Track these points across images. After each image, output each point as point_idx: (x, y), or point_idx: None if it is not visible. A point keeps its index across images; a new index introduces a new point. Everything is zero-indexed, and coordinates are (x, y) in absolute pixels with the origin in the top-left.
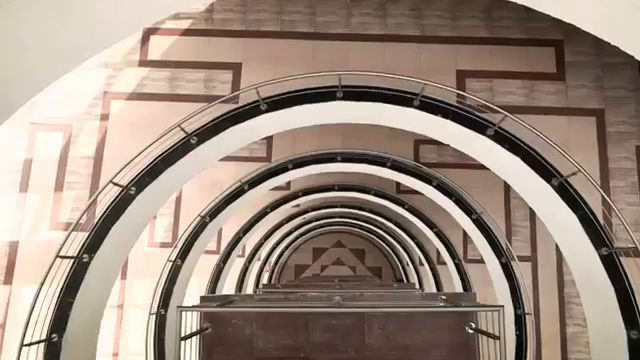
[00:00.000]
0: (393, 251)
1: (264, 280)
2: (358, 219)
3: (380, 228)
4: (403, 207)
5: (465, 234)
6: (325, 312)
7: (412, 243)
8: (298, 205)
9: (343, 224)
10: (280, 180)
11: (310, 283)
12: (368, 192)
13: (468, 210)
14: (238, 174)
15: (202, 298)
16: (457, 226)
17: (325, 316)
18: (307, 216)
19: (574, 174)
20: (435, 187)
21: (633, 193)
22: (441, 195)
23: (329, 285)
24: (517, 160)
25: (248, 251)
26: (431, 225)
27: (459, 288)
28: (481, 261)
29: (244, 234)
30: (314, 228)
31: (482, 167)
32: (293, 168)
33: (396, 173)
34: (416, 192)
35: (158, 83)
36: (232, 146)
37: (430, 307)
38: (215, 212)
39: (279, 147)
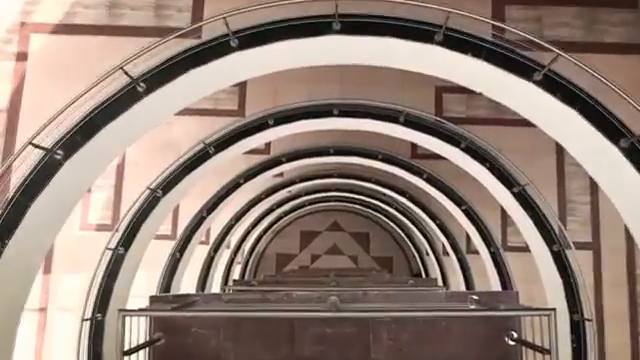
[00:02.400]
0: (407, 236)
1: (235, 275)
2: (361, 193)
3: (390, 205)
4: (420, 177)
5: (504, 213)
6: (317, 318)
7: (433, 225)
8: (281, 174)
9: (341, 200)
10: (257, 141)
11: (297, 279)
12: (374, 157)
13: (508, 181)
14: (200, 133)
15: (152, 299)
16: (493, 203)
17: (317, 323)
18: (293, 189)
19: None
20: (463, 150)
21: None
22: (471, 161)
23: (322, 281)
24: (573, 113)
25: (214, 236)
26: (458, 201)
27: (496, 286)
28: (525, 249)
29: (209, 213)
30: (302, 205)
31: (526, 123)
32: (274, 125)
33: (411, 131)
34: (438, 157)
35: (93, 11)
36: (192, 95)
37: (458, 311)
38: (170, 184)
39: (255, 97)
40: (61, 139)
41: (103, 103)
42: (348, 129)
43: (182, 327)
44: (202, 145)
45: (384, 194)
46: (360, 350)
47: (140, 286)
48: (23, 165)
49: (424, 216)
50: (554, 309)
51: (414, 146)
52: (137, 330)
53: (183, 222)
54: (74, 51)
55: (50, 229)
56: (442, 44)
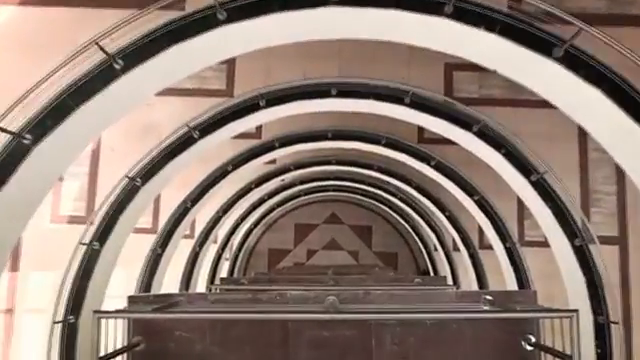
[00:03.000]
0: (414, 229)
1: (223, 272)
2: (362, 182)
3: (394, 195)
4: (428, 164)
5: (521, 204)
6: (313, 320)
7: (442, 218)
8: (274, 161)
9: (340, 189)
10: (246, 124)
11: (291, 277)
12: (377, 142)
13: (525, 169)
14: (184, 115)
15: (131, 299)
16: (509, 192)
17: (313, 326)
18: (287, 177)
19: None
20: (476, 134)
21: None
22: (485, 146)
23: (319, 280)
24: (597, 94)
25: (199, 230)
26: (470, 191)
27: (512, 284)
28: (544, 244)
29: (193, 204)
30: (297, 195)
31: (546, 105)
32: (266, 106)
33: (418, 113)
34: (448, 142)
35: None
36: (175, 74)
37: (469, 312)
38: (150, 172)
39: (245, 75)
40: (30, 122)
41: (76, 82)
42: (348, 111)
43: (164, 330)
44: (186, 129)
45: (388, 183)
46: (361, 356)
47: (117, 285)
48: None
49: (432, 207)
50: (576, 310)
51: (421, 130)
52: (114, 334)
53: (165, 214)
54: (45, 24)
55: (17, 222)
56: (452, 16)
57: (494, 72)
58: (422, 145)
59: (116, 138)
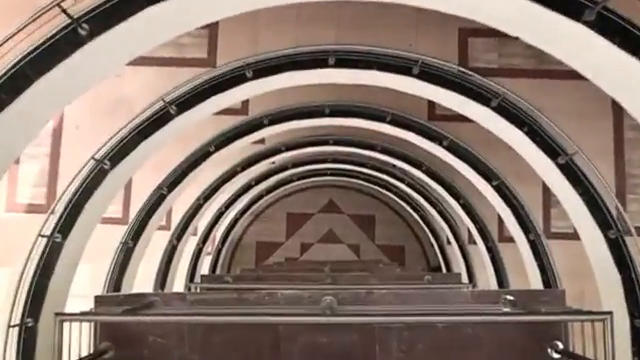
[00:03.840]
0: (423, 220)
1: (204, 269)
2: (364, 165)
3: (401, 181)
4: (440, 144)
5: (546, 191)
6: (308, 323)
7: (456, 206)
8: (262, 141)
9: (339, 173)
10: (231, 98)
11: (283, 274)
12: (381, 119)
13: (551, 149)
14: (159, 87)
15: (98, 299)
16: (533, 177)
17: (308, 330)
18: (278, 159)
19: None
20: (495, 110)
21: None
22: (505, 123)
23: (315, 278)
24: (634, 62)
25: (177, 220)
26: (488, 175)
27: (536, 283)
28: (573, 236)
29: (170, 191)
30: (289, 180)
31: (575, 76)
32: (254, 77)
33: (428, 86)
34: (462, 118)
35: None
36: (149, 40)
37: (487, 315)
38: (120, 152)
39: (229, 43)
40: None
41: (35, 50)
42: (347, 83)
43: (136, 335)
44: (161, 103)
45: (393, 166)
46: None
47: (83, 283)
48: None
49: (444, 194)
50: (610, 313)
51: (432, 105)
52: (78, 339)
53: (137, 202)
54: None
55: None
56: None
57: (516, 39)
58: (433, 122)
59: (81, 114)
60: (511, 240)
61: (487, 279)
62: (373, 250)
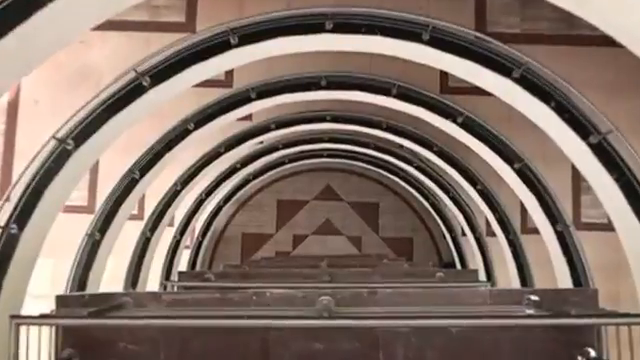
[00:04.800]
0: (434, 208)
1: (182, 265)
2: (367, 146)
3: (410, 163)
4: (454, 121)
5: (576, 175)
6: (302, 328)
7: (472, 192)
8: (249, 117)
9: (337, 154)
10: (213, 68)
11: (272, 270)
12: (386, 92)
13: (582, 127)
14: (131, 56)
15: (60, 300)
16: (561, 159)
17: (301, 336)
18: (266, 139)
19: None
20: (517, 81)
21: None
22: (529, 97)
23: (309, 275)
24: None
25: (150, 209)
26: (509, 157)
27: (564, 281)
28: (607, 227)
29: (143, 175)
30: (280, 162)
31: (609, 42)
32: (239, 44)
33: (441, 54)
34: (479, 91)
35: None
36: (120, 1)
37: (508, 318)
38: (86, 131)
39: (211, 3)
40: None
41: None
42: (347, 50)
43: (104, 341)
44: (133, 74)
45: (400, 147)
46: None
47: (42, 281)
48: None
49: (459, 179)
50: None
51: (444, 76)
52: (37, 345)
53: (105, 187)
54: None
55: None
56: None
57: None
58: (446, 96)
59: (40, 87)
60: (536, 232)
61: (508, 276)
62: (377, 243)
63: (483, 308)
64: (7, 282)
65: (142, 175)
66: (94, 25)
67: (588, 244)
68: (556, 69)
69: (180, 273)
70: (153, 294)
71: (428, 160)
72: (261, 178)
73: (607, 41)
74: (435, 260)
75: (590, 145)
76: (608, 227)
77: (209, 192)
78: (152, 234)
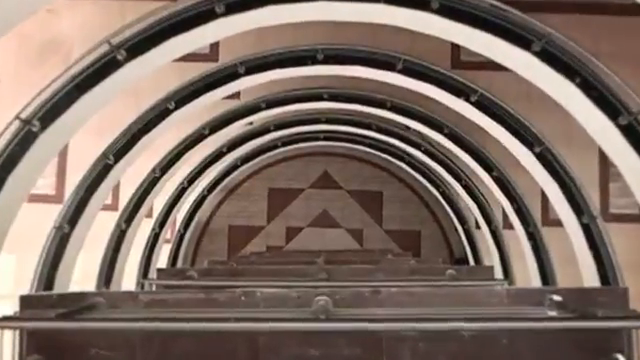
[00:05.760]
0: (445, 198)
1: (161, 261)
2: (369, 127)
3: (417, 147)
4: (467, 100)
5: (604, 161)
6: (296, 331)
7: (487, 180)
8: (237, 95)
9: (335, 137)
10: (196, 40)
11: (263, 267)
12: (391, 67)
13: (610, 106)
14: (104, 26)
15: (25, 301)
16: (587, 142)
17: (295, 340)
18: (257, 119)
19: None
20: (538, 55)
21: None
22: (550, 72)
23: (305, 272)
24: None
25: (126, 198)
26: (529, 140)
27: (591, 278)
28: (638, 218)
29: (117, 160)
30: (272, 146)
31: None
32: (226, 13)
33: (452, 24)
34: (495, 66)
35: None
36: None
37: (528, 320)
38: (53, 111)
39: None
40: None
41: None
42: (346, 20)
43: (74, 346)
44: (107, 47)
45: (407, 128)
46: None
47: (4, 280)
48: None
49: (473, 164)
50: None
51: (456, 49)
52: None
53: (75, 174)
54: None
55: None
56: None
57: None
58: (457, 72)
59: (2, 62)
60: (558, 224)
61: (527, 274)
62: (380, 236)
63: (499, 309)
64: None
65: (117, 160)
66: None
67: (617, 237)
68: (582, 41)
69: (159, 270)
70: (129, 294)
71: (438, 143)
72: (250, 163)
73: (638, 8)
74: (445, 256)
75: (619, 126)
76: (638, 219)
77: (192, 179)
78: (128, 226)
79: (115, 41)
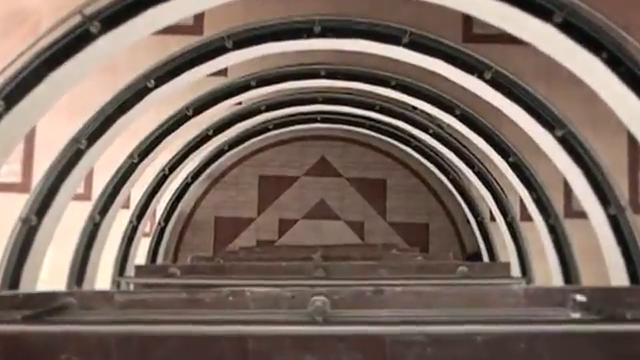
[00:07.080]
0: (456, 186)
1: (140, 257)
2: (371, 108)
3: (425, 130)
4: (480, 77)
5: (632, 146)
6: (290, 335)
7: (503, 166)
8: (224, 72)
9: (333, 119)
10: (179, 11)
11: (253, 264)
12: (395, 41)
13: None
14: None
15: None
16: (614, 125)
17: (289, 344)
18: (246, 99)
19: None
20: (559, 27)
21: None
22: (573, 46)
23: (299, 269)
24: None
25: (101, 187)
26: (549, 123)
27: (619, 276)
28: None
29: (91, 144)
30: (263, 129)
31: None
32: None
33: None
34: (511, 40)
35: None
36: None
37: (548, 323)
38: (20, 89)
39: None
40: None
41: None
42: None
43: (42, 351)
44: (79, 18)
45: (414, 109)
46: None
47: None
48: None
49: (487, 150)
50: None
51: (468, 21)
52: None
53: (43, 160)
54: None
55: None
56: None
57: None
58: (469, 45)
59: None
60: (582, 215)
61: (548, 271)
62: (383, 230)
63: (517, 311)
64: None
65: (90, 145)
66: None
67: None
68: (608, 12)
69: (137, 267)
70: (103, 293)
71: (448, 126)
72: (239, 148)
73: None
74: (456, 251)
75: None
76: None
77: (173, 166)
78: (102, 218)
79: (88, 11)
